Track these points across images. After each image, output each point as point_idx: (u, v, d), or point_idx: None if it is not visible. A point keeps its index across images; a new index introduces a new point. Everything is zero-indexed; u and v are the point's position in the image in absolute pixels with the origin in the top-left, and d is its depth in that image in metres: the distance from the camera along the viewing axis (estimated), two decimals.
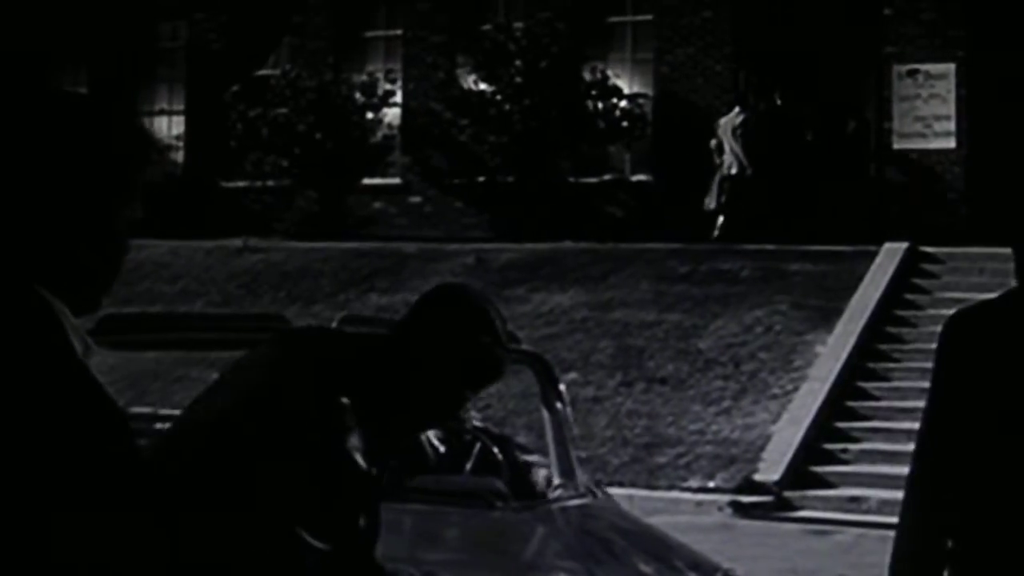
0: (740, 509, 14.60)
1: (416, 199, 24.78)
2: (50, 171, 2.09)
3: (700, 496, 14.88)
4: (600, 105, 22.80)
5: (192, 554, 2.93)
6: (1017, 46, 20.86)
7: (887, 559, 3.71)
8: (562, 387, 7.30)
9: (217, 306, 19.85)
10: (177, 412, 8.32)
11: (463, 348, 3.23)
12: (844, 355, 16.90)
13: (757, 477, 15.01)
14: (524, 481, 7.08)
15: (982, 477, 3.46)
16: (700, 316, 18.04)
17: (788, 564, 11.98)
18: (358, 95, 24.13)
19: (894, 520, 3.75)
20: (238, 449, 3.11)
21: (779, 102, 21.89)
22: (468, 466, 7.26)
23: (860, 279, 18.65)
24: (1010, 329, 3.49)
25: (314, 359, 3.25)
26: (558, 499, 6.80)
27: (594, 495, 7.01)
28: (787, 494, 14.81)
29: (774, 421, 15.89)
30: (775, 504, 14.68)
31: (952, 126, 21.70)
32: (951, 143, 21.73)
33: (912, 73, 21.92)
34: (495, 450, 7.32)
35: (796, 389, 16.39)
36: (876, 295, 18.25)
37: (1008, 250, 3.69)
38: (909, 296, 18.56)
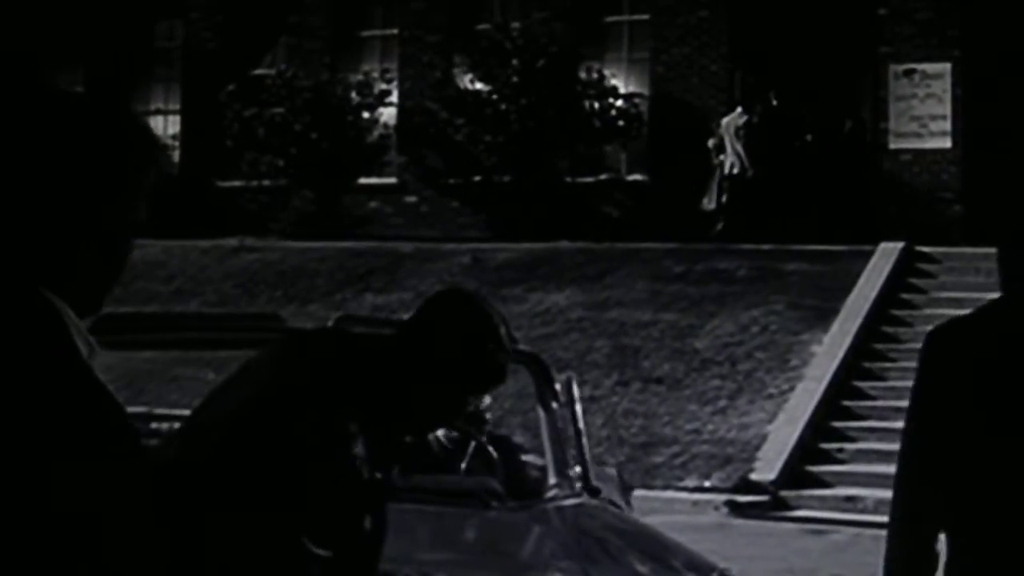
0: (736, 508, 14.60)
1: (412, 199, 24.77)
2: (51, 172, 2.09)
3: (696, 495, 14.88)
4: (596, 105, 22.80)
5: (192, 554, 2.93)
6: (1013, 45, 20.87)
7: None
8: (575, 389, 7.26)
9: (213, 306, 19.84)
10: (174, 412, 8.35)
11: (467, 353, 3.24)
12: (840, 355, 16.90)
13: (753, 476, 15.01)
14: (520, 481, 7.08)
15: (969, 477, 3.47)
16: (696, 316, 18.04)
17: (784, 564, 11.97)
18: (354, 95, 24.12)
19: None
20: (244, 452, 3.11)
21: (775, 102, 21.88)
22: (464, 465, 7.27)
23: (856, 279, 18.65)
24: (993, 333, 3.50)
25: (319, 362, 3.25)
26: (554, 499, 6.79)
27: (594, 494, 6.99)
28: (783, 493, 14.81)
29: (770, 421, 15.90)
30: (771, 503, 14.69)
31: (948, 126, 21.71)
32: (947, 143, 21.74)
33: (908, 73, 21.92)
34: (491, 449, 7.32)
35: (792, 389, 16.39)
36: (872, 295, 18.25)
37: None
38: (905, 296, 18.56)
